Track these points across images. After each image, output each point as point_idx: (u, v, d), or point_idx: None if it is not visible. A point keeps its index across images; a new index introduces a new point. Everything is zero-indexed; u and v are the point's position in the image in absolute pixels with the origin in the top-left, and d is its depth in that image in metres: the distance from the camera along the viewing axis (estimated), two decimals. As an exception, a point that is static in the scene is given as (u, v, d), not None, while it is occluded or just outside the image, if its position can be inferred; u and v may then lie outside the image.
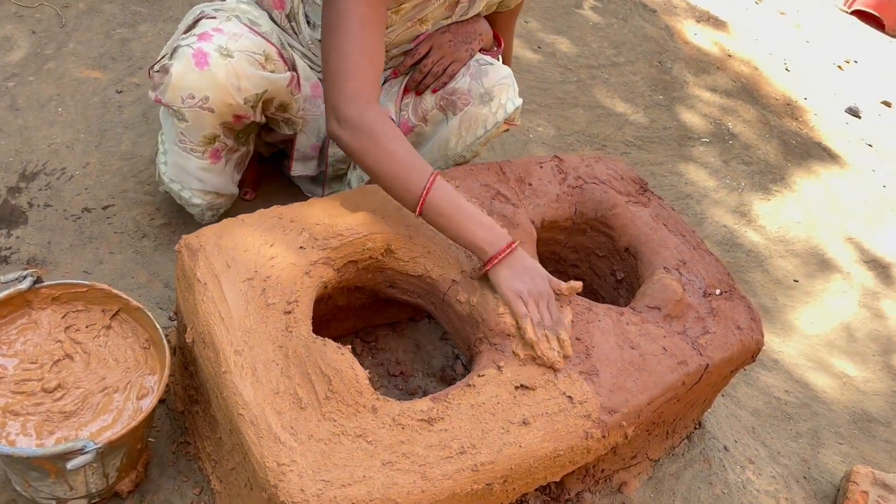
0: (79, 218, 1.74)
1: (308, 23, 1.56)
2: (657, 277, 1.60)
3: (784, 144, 3.03)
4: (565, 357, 1.27)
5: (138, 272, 1.68)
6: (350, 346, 1.22)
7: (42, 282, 1.26)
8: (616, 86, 2.96)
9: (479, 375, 1.27)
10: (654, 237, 1.70)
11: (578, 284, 1.35)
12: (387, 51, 1.63)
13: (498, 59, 1.76)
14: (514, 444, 1.20)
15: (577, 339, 1.35)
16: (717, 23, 3.79)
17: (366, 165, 1.29)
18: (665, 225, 1.75)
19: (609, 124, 2.73)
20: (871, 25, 4.45)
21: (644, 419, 1.40)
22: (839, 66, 3.87)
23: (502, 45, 1.79)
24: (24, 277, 1.24)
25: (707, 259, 1.71)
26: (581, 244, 1.80)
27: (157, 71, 1.42)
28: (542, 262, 1.85)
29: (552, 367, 1.27)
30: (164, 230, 1.78)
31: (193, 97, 1.39)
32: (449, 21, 1.60)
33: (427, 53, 1.60)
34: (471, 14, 1.63)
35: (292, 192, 1.92)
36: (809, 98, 3.44)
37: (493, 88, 1.62)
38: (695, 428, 1.83)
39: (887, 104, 3.66)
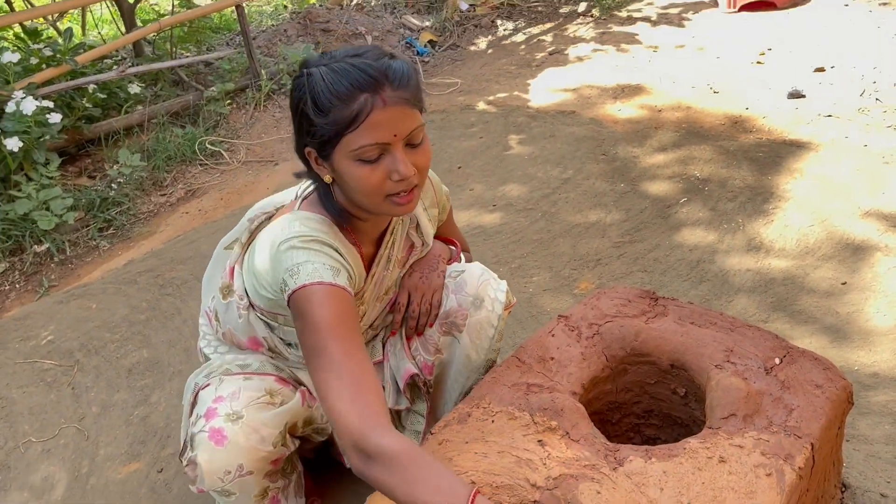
0: None
1: (289, 345, 1.62)
2: (715, 382, 1.56)
3: (753, 161, 3.04)
4: None
5: None
6: None
7: None
8: (579, 199, 3.02)
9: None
10: (689, 342, 1.67)
11: None
12: (369, 327, 1.69)
13: (461, 260, 1.82)
14: None
15: (667, 495, 1.29)
16: (633, 89, 3.94)
17: (400, 496, 1.18)
18: (693, 323, 1.72)
19: (592, 237, 2.76)
20: (762, 11, 4.62)
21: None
22: (758, 62, 3.97)
23: (457, 245, 1.85)
24: None
25: (749, 334, 1.67)
26: (630, 382, 1.77)
27: (187, 465, 1.46)
28: (604, 415, 1.81)
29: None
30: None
31: (229, 472, 1.42)
32: (406, 268, 1.68)
33: (409, 301, 1.66)
34: (426, 250, 1.70)
35: (352, 481, 1.91)
36: (750, 106, 3.50)
37: (479, 290, 1.67)
38: (842, 492, 1.71)
39: (821, 69, 3.72)
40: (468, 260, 1.86)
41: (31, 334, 2.82)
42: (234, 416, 1.43)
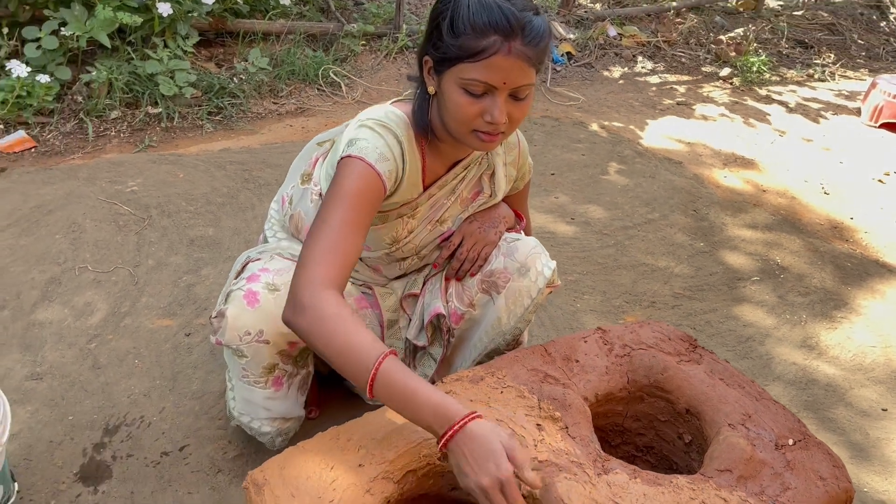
0: (158, 463, 1.83)
1: None
2: (723, 437, 1.57)
3: (839, 268, 2.99)
4: None
5: (214, 509, 1.73)
6: None
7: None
8: (655, 241, 3.03)
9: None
10: (712, 394, 1.68)
11: (537, 482, 1.24)
12: (416, 252, 1.76)
13: (521, 234, 1.88)
14: None
15: (646, 519, 1.31)
16: (745, 162, 3.89)
17: (317, 348, 1.27)
18: (722, 379, 1.73)
19: (654, 280, 2.77)
20: (902, 134, 4.49)
21: None
22: (879, 180, 3.87)
23: (524, 220, 1.91)
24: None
25: (773, 408, 1.67)
26: (642, 412, 1.79)
27: (215, 317, 1.56)
28: (606, 435, 1.84)
29: None
30: (237, 462, 1.85)
31: (249, 333, 1.52)
32: (468, 212, 1.74)
33: (460, 243, 1.72)
34: (492, 203, 1.77)
35: (354, 402, 1.99)
36: (856, 217, 3.43)
37: (527, 260, 1.71)
38: None
39: (939, 208, 3.60)
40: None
41: (119, 180, 3.00)
42: (272, 287, 1.52)
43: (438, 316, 1.76)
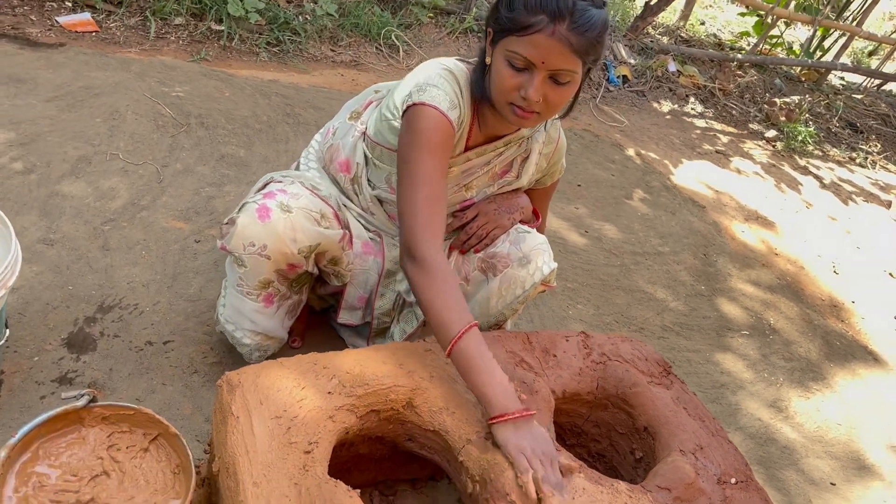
0: (141, 350, 1.92)
1: (369, 183, 1.78)
2: (671, 459, 1.63)
3: (827, 344, 3.04)
4: None
5: (184, 404, 1.81)
6: (369, 498, 1.30)
7: (97, 402, 1.41)
8: (659, 273, 3.08)
9: (481, 535, 1.31)
10: (672, 419, 1.74)
11: (575, 467, 1.41)
12: None
13: (533, 230, 1.94)
14: None
15: (579, 508, 1.38)
16: (766, 223, 3.94)
17: (423, 300, 1.43)
18: (685, 408, 1.79)
19: (648, 308, 2.83)
20: (925, 237, 4.52)
21: None
22: (891, 274, 3.91)
23: (539, 219, 1.97)
24: (82, 396, 1.38)
25: (725, 447, 1.73)
26: (602, 420, 1.85)
27: (226, 223, 1.63)
28: (564, 433, 1.91)
29: None
30: (214, 368, 1.93)
31: (254, 245, 1.59)
32: (492, 190, 1.81)
33: (473, 218, 1.79)
34: (514, 186, 1.83)
35: (337, 344, 2.06)
36: (858, 302, 3.47)
37: (531, 253, 1.77)
38: None
39: (941, 315, 3.64)
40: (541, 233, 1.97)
41: (168, 83, 3.08)
42: (286, 207, 1.59)
43: None
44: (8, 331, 1.69)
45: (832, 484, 2.34)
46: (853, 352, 3.06)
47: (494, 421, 1.37)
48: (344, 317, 1.92)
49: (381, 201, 1.81)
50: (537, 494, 1.31)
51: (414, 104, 1.53)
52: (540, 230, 2.03)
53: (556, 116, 1.74)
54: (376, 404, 1.49)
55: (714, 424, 1.78)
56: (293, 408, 1.40)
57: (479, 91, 1.60)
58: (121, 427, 1.43)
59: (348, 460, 1.62)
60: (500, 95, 1.51)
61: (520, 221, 1.86)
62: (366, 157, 1.76)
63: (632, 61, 5.26)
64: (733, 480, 1.65)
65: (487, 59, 1.54)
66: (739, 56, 5.89)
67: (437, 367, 1.59)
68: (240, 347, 1.81)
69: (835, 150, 5.51)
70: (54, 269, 2.04)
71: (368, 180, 1.80)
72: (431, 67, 1.60)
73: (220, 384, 1.44)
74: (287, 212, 1.60)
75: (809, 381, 2.78)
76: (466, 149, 1.71)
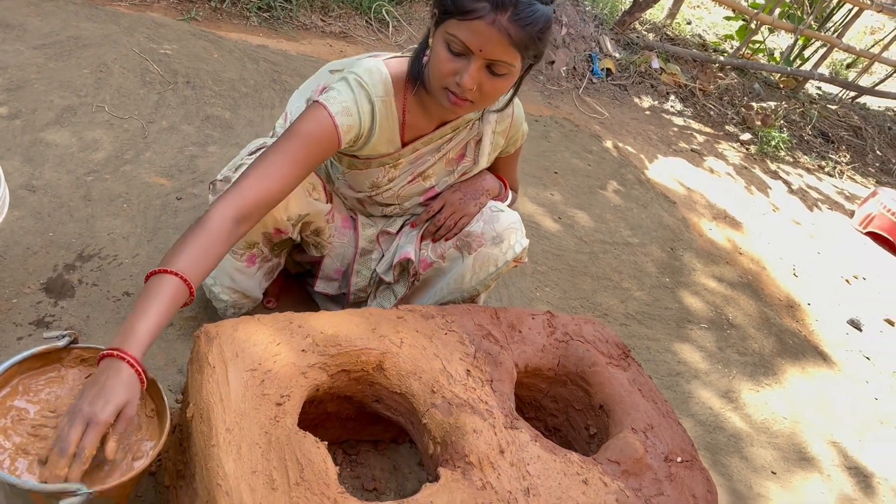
0: (118, 300, 1.96)
1: (333, 166, 1.84)
2: (622, 435, 1.73)
3: (780, 342, 3.17)
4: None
5: (158, 355, 1.86)
6: (333, 456, 1.36)
7: (77, 343, 1.45)
8: (626, 263, 3.18)
9: (440, 492, 1.39)
10: (627, 399, 1.84)
11: (110, 453, 1.24)
12: (398, 203, 1.89)
13: (508, 196, 1.99)
14: (458, 558, 1.30)
15: (528, 472, 1.47)
16: (733, 222, 4.06)
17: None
18: (640, 390, 1.89)
19: (613, 296, 2.93)
20: (884, 248, 4.68)
21: (588, 564, 1.48)
22: (847, 280, 4.06)
23: (507, 187, 2.02)
24: (63, 336, 1.43)
25: (674, 428, 1.83)
26: (561, 396, 1.94)
27: (220, 180, 1.68)
28: (523, 406, 1.99)
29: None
30: (189, 322, 1.98)
31: None
32: (452, 175, 1.86)
33: (440, 210, 1.85)
34: (475, 171, 1.88)
35: (310, 307, 2.12)
36: (813, 304, 3.61)
37: (504, 232, 1.84)
38: None
39: (890, 322, 3.80)
40: (514, 200, 2.03)
41: (157, 40, 3.09)
42: (279, 173, 1.64)
43: (408, 260, 1.88)
44: (-11, 271, 1.72)
45: (773, 473, 2.47)
46: (804, 351, 3.19)
47: (116, 354, 1.25)
48: (321, 286, 1.98)
49: (346, 196, 1.87)
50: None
51: (313, 101, 1.56)
52: (512, 186, 2.05)
53: (494, 109, 1.76)
54: (347, 364, 1.56)
55: (665, 406, 1.88)
56: (267, 362, 1.46)
57: (417, 73, 1.60)
58: (99, 370, 1.47)
59: (315, 417, 1.69)
60: (435, 79, 1.51)
61: (489, 200, 1.91)
62: None
63: (616, 55, 5.34)
64: (679, 459, 1.75)
65: (431, 41, 1.54)
66: (721, 58, 6.00)
67: (409, 334, 1.66)
68: (216, 302, 1.86)
69: (805, 157, 5.66)
70: (35, 216, 2.07)
71: (329, 172, 1.85)
72: (344, 75, 1.61)
73: (198, 335, 1.50)
74: None
75: (760, 376, 2.90)
76: (406, 143, 1.73)
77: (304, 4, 3.92)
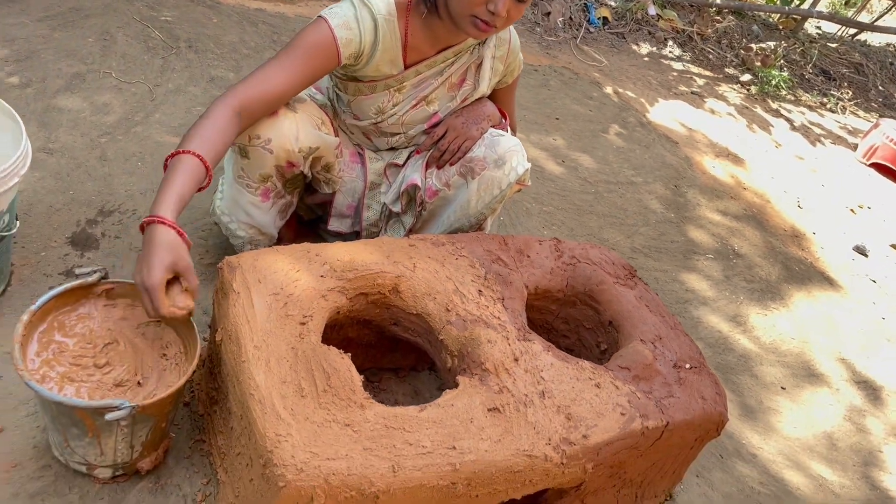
0: (140, 250, 2.03)
1: (336, 109, 1.92)
2: (632, 345, 1.80)
3: (787, 269, 3.23)
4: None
5: (183, 298, 1.94)
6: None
7: (107, 279, 1.53)
8: (631, 201, 3.24)
9: (459, 395, 1.47)
10: (635, 314, 1.91)
11: (188, 307, 1.44)
12: (403, 131, 1.95)
13: (507, 131, 2.06)
14: (480, 452, 1.38)
15: (543, 377, 1.55)
16: (736, 159, 4.10)
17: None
18: (647, 306, 1.96)
19: (619, 232, 2.99)
20: (888, 178, 4.70)
21: (604, 460, 1.56)
22: (852, 210, 4.10)
23: (507, 117, 2.09)
24: (94, 272, 1.51)
25: (682, 339, 1.90)
26: (571, 316, 2.01)
27: None
28: (536, 329, 2.07)
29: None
30: (210, 268, 2.06)
31: (259, 137, 1.71)
32: (454, 101, 1.92)
33: (444, 135, 1.91)
34: (476, 95, 1.95)
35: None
36: (818, 233, 3.66)
37: (505, 154, 1.90)
38: (665, 499, 1.96)
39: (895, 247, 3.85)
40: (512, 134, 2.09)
41: (157, 7, 3.14)
42: (292, 108, 1.72)
43: (414, 187, 1.95)
44: (18, 222, 1.80)
45: (783, 388, 2.54)
46: (810, 276, 3.25)
47: (148, 220, 1.40)
48: (334, 224, 2.05)
49: (351, 127, 1.94)
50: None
51: (318, 16, 1.68)
52: (512, 125, 2.14)
53: None
54: (364, 287, 1.63)
55: (672, 320, 1.95)
56: (289, 286, 1.54)
57: (431, 3, 1.70)
58: (128, 302, 1.56)
59: (338, 343, 1.77)
60: (464, 9, 1.60)
61: (490, 127, 1.98)
62: (329, 82, 1.89)
63: (612, 3, 5.34)
64: (688, 366, 1.82)
65: None
66: (718, 2, 5.97)
67: (421, 260, 1.73)
68: (233, 239, 1.93)
69: (807, 95, 5.66)
70: (55, 176, 2.14)
71: (335, 106, 1.92)
72: None
73: (221, 266, 1.57)
74: (293, 112, 1.71)
75: (768, 301, 2.97)
76: (408, 65, 1.81)
77: (298, -31, 3.95)
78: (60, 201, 2.07)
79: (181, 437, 1.64)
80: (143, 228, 1.41)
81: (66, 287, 1.48)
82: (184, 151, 1.46)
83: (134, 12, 3.02)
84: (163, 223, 1.39)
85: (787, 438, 2.34)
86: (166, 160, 1.48)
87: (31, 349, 1.43)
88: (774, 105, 5.21)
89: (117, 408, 1.31)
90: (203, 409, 1.69)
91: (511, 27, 1.92)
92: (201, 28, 3.11)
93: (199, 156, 1.47)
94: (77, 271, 1.51)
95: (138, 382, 1.45)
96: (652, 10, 5.49)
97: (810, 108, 5.46)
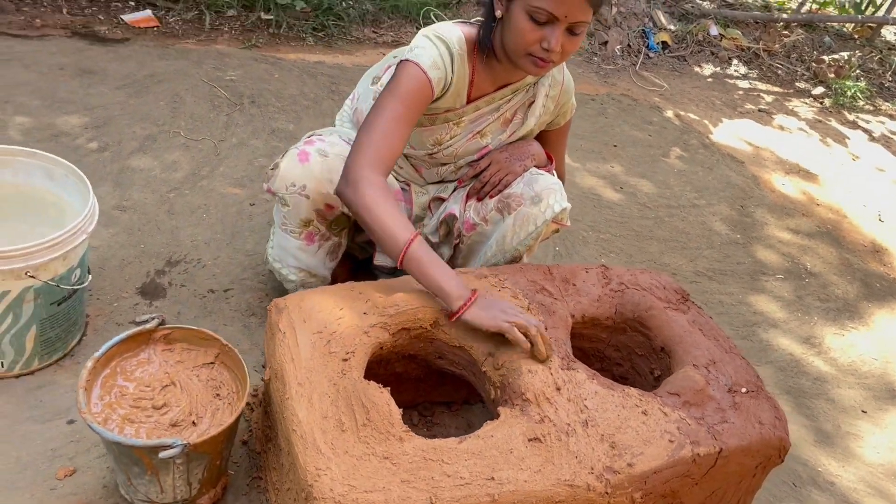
0: (204, 297, 2.15)
1: None
2: (683, 370, 1.76)
3: (866, 286, 3.07)
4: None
5: (244, 341, 2.03)
6: (409, 418, 1.48)
7: (164, 324, 1.63)
8: (693, 224, 3.17)
9: (499, 426, 1.48)
10: (687, 339, 1.87)
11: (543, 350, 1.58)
12: (454, 161, 2.00)
13: (552, 174, 2.07)
14: (519, 483, 1.38)
15: (586, 406, 1.54)
16: (808, 175, 3.96)
17: (359, 217, 1.60)
18: (700, 329, 1.91)
19: (682, 256, 2.93)
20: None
21: (654, 489, 1.52)
22: (940, 221, 3.87)
23: (553, 161, 2.10)
24: (153, 319, 1.61)
25: (738, 362, 1.85)
26: (622, 343, 1.99)
27: (272, 168, 1.84)
28: (588, 359, 2.05)
29: (543, 361, 1.56)
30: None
31: (294, 185, 1.79)
32: (505, 136, 1.96)
33: (487, 167, 1.95)
34: (524, 130, 1.98)
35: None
36: (902, 247, 3.48)
37: (542, 192, 1.92)
38: (731, 530, 1.89)
39: None
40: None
41: (222, 68, 3.34)
42: (323, 153, 1.80)
43: (452, 216, 1.99)
44: (90, 276, 1.94)
45: (863, 412, 2.41)
46: (893, 293, 3.08)
47: (462, 309, 1.56)
48: (379, 259, 2.11)
49: (405, 156, 1.99)
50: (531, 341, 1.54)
51: (401, 61, 1.71)
52: (559, 174, 2.16)
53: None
54: (406, 323, 1.67)
55: (728, 343, 1.90)
56: (332, 324, 1.60)
57: (486, 44, 1.75)
58: (184, 346, 1.65)
59: (387, 379, 1.81)
60: (520, 48, 1.65)
61: (533, 166, 2.00)
62: None
63: (672, 27, 5.29)
64: (744, 390, 1.76)
65: (499, 13, 1.68)
66: (785, 16, 5.83)
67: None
68: (286, 284, 2.02)
69: (887, 104, 5.41)
70: (127, 231, 2.30)
71: None
72: (423, 34, 1.76)
73: (270, 308, 1.65)
74: (324, 156, 1.79)
75: (845, 320, 2.83)
76: (470, 100, 1.86)
77: (356, 20, 4.12)
78: (132, 255, 2.22)
79: (240, 474, 1.71)
80: (453, 316, 1.59)
81: (127, 334, 1.59)
82: (412, 240, 1.56)
83: (202, 74, 3.22)
84: (479, 294, 1.59)
85: (870, 465, 2.21)
86: (401, 259, 1.58)
87: (95, 393, 1.53)
88: (851, 116, 5.00)
89: (170, 446, 1.39)
90: (259, 447, 1.76)
91: (566, 69, 1.97)
92: (263, 84, 3.28)
93: (416, 234, 1.58)
94: (137, 319, 1.62)
95: (193, 422, 1.53)
96: (714, 31, 5.41)
97: (891, 117, 5.22)
